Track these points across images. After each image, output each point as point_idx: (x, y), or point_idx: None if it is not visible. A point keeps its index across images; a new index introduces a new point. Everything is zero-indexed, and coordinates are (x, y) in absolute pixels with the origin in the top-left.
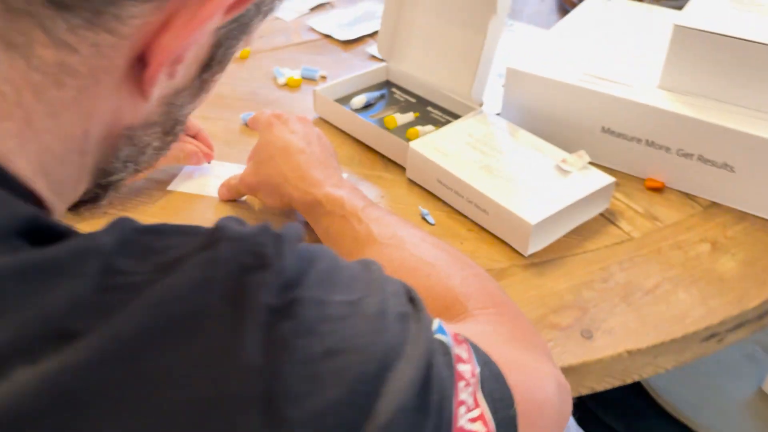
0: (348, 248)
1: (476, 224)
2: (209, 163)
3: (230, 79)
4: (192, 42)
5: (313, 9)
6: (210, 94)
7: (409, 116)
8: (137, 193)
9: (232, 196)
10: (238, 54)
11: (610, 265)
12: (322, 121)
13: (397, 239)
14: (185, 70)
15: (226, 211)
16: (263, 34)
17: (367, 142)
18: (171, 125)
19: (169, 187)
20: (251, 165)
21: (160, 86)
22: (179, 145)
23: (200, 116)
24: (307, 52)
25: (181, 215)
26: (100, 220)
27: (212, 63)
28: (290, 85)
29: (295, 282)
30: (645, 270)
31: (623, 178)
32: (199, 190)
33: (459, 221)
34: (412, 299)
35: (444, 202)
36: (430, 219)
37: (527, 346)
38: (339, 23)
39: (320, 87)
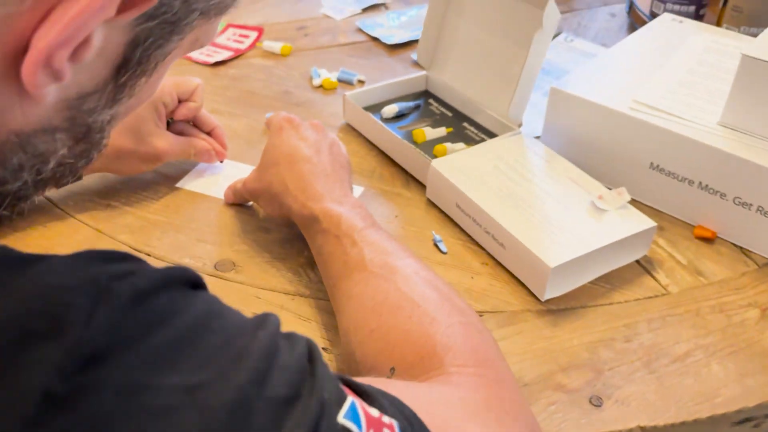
0: (337, 272)
1: (492, 258)
2: (221, 162)
3: (264, 75)
4: (68, 37)
5: (365, 9)
6: (142, 100)
7: (441, 131)
8: (143, 187)
9: (236, 200)
10: (175, 59)
11: (638, 322)
12: (350, 129)
13: (387, 269)
14: (86, 71)
15: (230, 214)
16: (309, 32)
17: (391, 155)
18: (83, 132)
19: (178, 184)
20: (255, 170)
21: (52, 87)
22: (191, 140)
23: (225, 112)
24: (351, 54)
25: (182, 215)
26: (102, 212)
27: (129, 65)
28: (325, 87)
29: (99, 357)
30: (677, 333)
31: (669, 223)
32: (207, 189)
33: (474, 253)
34: (313, 371)
35: (461, 230)
36: (442, 246)
37: (504, 420)
38: (388, 26)
39: (352, 92)
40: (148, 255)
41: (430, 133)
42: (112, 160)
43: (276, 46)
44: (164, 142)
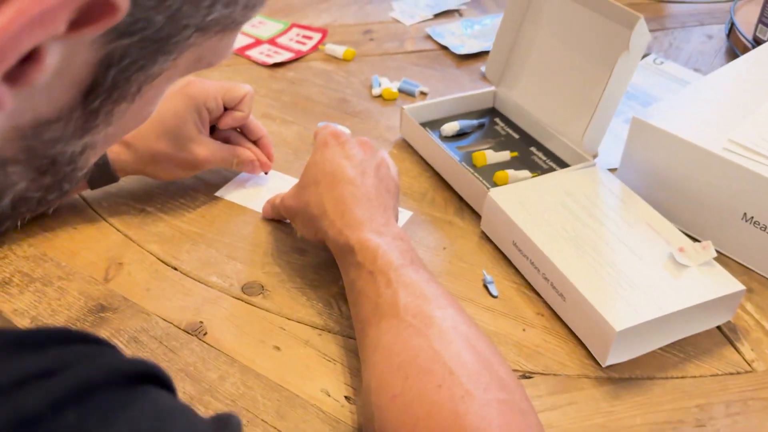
0: (366, 314)
1: (549, 308)
2: (266, 173)
3: (323, 80)
4: None
5: (437, 15)
6: (128, 127)
7: (505, 155)
8: (181, 193)
9: (274, 215)
10: (171, 81)
11: (714, 403)
12: (405, 145)
13: (423, 319)
14: (43, 95)
15: (266, 230)
16: (375, 36)
17: (446, 178)
18: (46, 165)
19: (217, 193)
20: (294, 186)
21: None
22: (234, 149)
23: (278, 117)
24: (416, 63)
25: (217, 227)
26: (135, 217)
27: (100, 88)
28: (385, 97)
29: None
30: (760, 422)
31: (760, 285)
32: (247, 201)
33: (528, 300)
34: None
35: (516, 271)
36: (492, 289)
37: None
38: (460, 35)
39: (411, 105)
40: (175, 269)
41: (491, 156)
42: (147, 163)
43: (339, 50)
44: (205, 149)
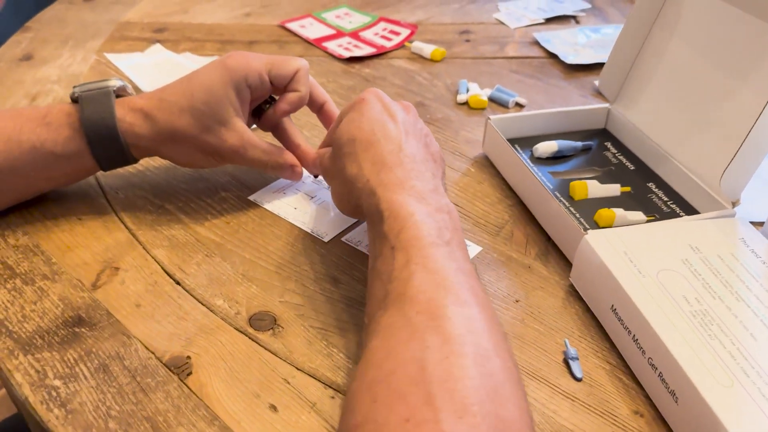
0: (372, 307)
1: (652, 408)
2: (315, 177)
3: (402, 80)
4: None
5: (549, 20)
6: None
7: (614, 189)
8: (210, 192)
9: (317, 172)
10: None
11: None
12: (487, 164)
13: (428, 316)
14: None
15: (299, 248)
16: (473, 37)
17: (532, 209)
18: None
19: (252, 197)
20: (331, 148)
21: None
22: (275, 149)
23: None
24: (516, 70)
25: (240, 238)
26: (149, 215)
27: None
28: (471, 105)
29: None
30: None
31: None
32: (284, 211)
33: (625, 391)
34: None
35: (612, 346)
36: (576, 369)
37: None
38: (573, 42)
39: (500, 116)
40: (177, 283)
41: (595, 188)
42: (166, 140)
43: (426, 49)
44: (236, 137)
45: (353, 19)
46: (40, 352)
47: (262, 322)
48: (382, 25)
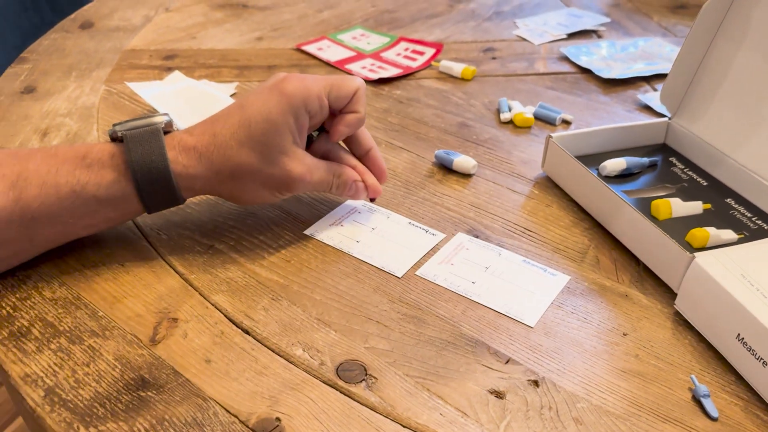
0: None
1: None
2: (372, 201)
3: (437, 101)
4: None
5: (572, 35)
6: None
7: (696, 206)
8: (262, 229)
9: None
10: None
11: None
12: (550, 185)
13: None
14: None
15: (373, 285)
16: (499, 55)
17: (613, 232)
18: None
19: (307, 231)
20: None
21: None
22: (336, 166)
23: (383, 141)
24: (552, 87)
25: (305, 276)
26: (200, 257)
27: None
28: (517, 124)
29: None
30: None
31: None
32: (344, 244)
33: (766, 428)
34: None
35: (738, 378)
36: (710, 407)
37: None
38: (602, 56)
39: (560, 134)
40: (247, 332)
41: (679, 207)
42: (224, 181)
43: (456, 68)
44: (300, 165)
45: (371, 40)
46: (104, 424)
47: (351, 372)
48: (404, 45)
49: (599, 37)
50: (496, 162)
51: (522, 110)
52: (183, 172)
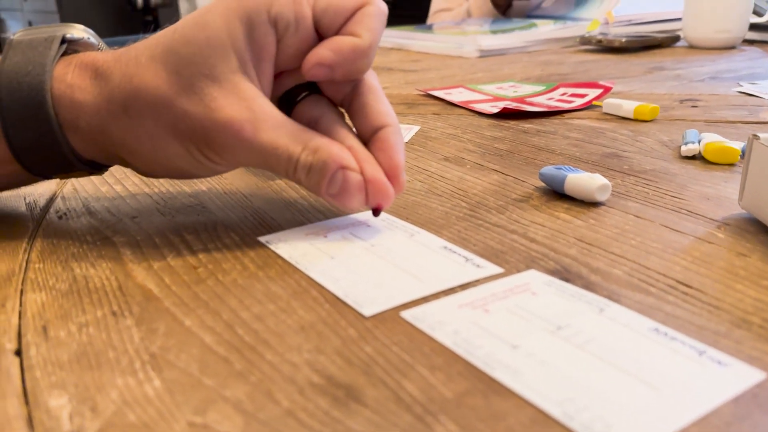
0: None
1: None
2: (376, 214)
3: (585, 135)
4: None
5: None
6: None
7: None
8: (202, 228)
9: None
10: None
11: None
12: (750, 228)
13: None
14: None
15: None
16: (704, 104)
17: None
18: None
19: (264, 237)
20: None
21: None
22: (312, 135)
23: (468, 162)
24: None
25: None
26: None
27: None
28: (709, 159)
29: None
30: None
31: None
32: (302, 257)
33: None
34: None
35: None
36: None
37: None
38: None
39: None
40: (17, 354)
41: None
42: (118, 112)
43: (626, 105)
44: (239, 106)
45: (520, 90)
46: None
47: None
48: (562, 90)
49: None
50: (654, 195)
51: (719, 139)
52: (66, 94)
